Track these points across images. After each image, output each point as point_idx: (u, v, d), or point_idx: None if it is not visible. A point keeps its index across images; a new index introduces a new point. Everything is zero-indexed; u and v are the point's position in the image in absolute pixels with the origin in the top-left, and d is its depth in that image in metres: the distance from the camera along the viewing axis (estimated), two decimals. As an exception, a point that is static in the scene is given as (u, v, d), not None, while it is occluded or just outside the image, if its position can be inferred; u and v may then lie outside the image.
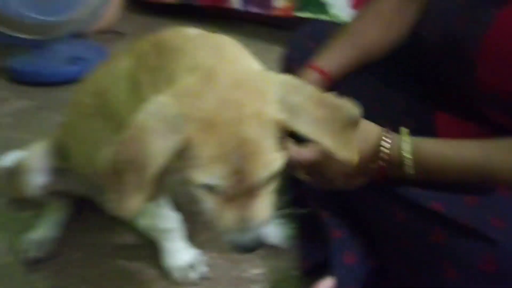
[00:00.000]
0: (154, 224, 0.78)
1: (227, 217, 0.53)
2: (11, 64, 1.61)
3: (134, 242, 0.89)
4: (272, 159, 0.52)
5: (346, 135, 0.55)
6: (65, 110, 0.88)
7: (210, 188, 0.52)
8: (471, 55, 0.70)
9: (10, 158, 0.94)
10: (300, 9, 1.86)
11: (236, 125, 0.50)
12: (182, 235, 0.81)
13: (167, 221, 0.78)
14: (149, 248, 0.85)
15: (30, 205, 0.94)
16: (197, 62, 0.56)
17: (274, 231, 0.86)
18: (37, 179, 0.84)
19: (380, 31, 0.84)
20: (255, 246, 0.55)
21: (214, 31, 0.65)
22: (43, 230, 0.87)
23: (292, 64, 0.93)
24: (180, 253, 0.80)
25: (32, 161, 0.85)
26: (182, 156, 0.51)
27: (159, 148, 0.49)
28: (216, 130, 0.50)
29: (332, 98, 0.56)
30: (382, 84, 0.85)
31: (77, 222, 0.93)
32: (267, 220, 0.55)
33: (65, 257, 0.85)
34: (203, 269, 0.80)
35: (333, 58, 0.83)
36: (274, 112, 0.51)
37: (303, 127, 0.52)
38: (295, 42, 1.00)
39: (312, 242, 0.80)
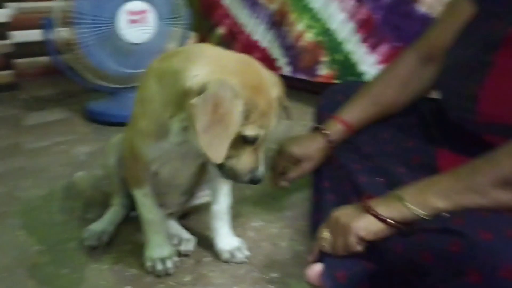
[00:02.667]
0: (140, 213, 0.92)
1: (251, 160, 0.78)
2: (91, 107, 1.88)
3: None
4: None
5: None
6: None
7: (249, 140, 0.74)
8: (474, 91, 0.79)
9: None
10: (340, 77, 1.99)
11: (268, 90, 0.75)
12: (163, 230, 0.94)
13: (150, 212, 0.91)
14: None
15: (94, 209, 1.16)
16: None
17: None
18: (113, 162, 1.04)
19: (396, 92, 0.96)
20: (262, 178, 0.80)
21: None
22: (102, 224, 1.04)
23: (322, 112, 1.06)
24: (161, 248, 0.92)
25: (110, 152, 1.06)
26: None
27: (235, 112, 0.69)
28: (260, 95, 0.73)
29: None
30: (394, 129, 0.96)
31: (126, 224, 1.10)
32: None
33: (118, 249, 1.02)
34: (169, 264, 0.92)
35: (355, 113, 0.97)
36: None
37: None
38: (327, 94, 1.12)
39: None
